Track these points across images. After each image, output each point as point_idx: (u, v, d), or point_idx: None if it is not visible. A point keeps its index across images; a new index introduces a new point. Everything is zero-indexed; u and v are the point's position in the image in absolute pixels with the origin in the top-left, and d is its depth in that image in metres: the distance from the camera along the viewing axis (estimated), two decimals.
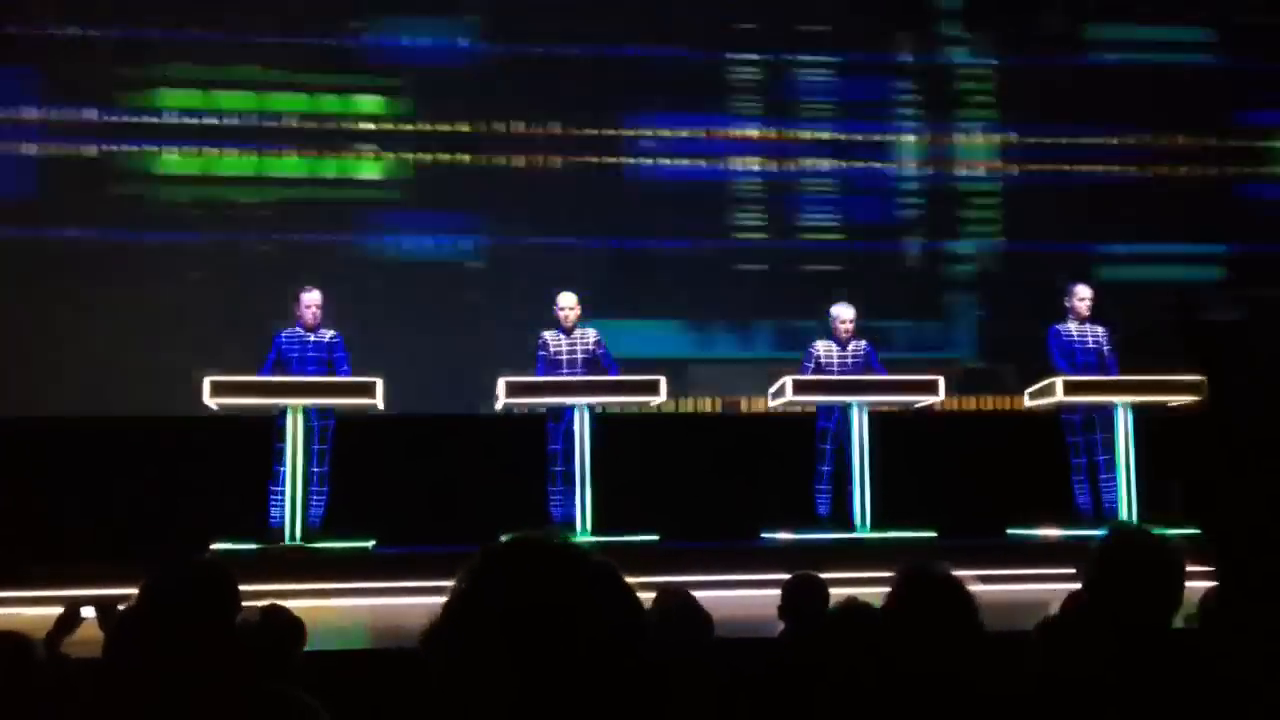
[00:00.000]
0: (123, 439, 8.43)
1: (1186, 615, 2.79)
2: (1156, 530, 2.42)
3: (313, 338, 7.77)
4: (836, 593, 3.78)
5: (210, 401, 7.42)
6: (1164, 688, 2.14)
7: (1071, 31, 10.36)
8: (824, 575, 3.86)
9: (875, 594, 3.42)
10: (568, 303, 8.01)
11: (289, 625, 3.26)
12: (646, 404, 7.90)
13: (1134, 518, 7.67)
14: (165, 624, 1.96)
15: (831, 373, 8.09)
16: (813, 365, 8.16)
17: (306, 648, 3.45)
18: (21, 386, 8.69)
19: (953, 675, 2.24)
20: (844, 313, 8.20)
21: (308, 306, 7.77)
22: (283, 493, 7.45)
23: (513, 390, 7.71)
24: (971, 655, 2.36)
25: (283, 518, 7.42)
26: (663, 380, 7.75)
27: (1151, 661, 2.16)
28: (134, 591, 2.29)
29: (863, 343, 8.26)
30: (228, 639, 1.98)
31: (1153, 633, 2.20)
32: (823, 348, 8.20)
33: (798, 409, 8.26)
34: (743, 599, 5.79)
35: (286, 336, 7.79)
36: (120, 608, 2.50)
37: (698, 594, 3.47)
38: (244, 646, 2.19)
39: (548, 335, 8.05)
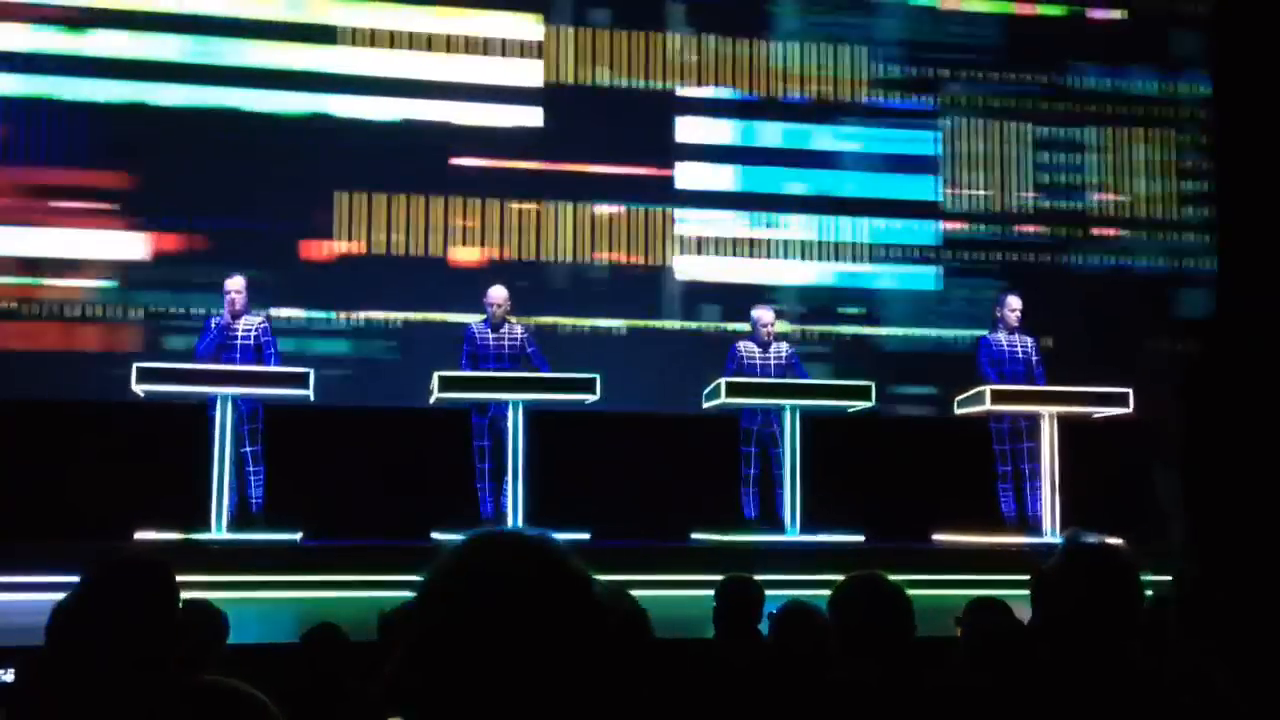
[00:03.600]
0: (44, 424, 8.28)
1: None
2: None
3: (240, 325, 7.69)
4: (769, 595, 3.81)
5: (137, 388, 7.32)
6: (1125, 703, 2.14)
7: None
8: (755, 577, 3.89)
9: (806, 595, 3.45)
10: (498, 297, 8.00)
11: (212, 619, 3.23)
12: (580, 402, 7.91)
13: (1056, 526, 7.81)
14: (108, 619, 1.94)
15: (755, 374, 8.17)
16: (735, 366, 8.23)
17: (232, 640, 3.42)
18: None
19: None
20: (764, 315, 8.31)
21: (227, 293, 7.70)
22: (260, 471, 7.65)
23: (446, 385, 7.68)
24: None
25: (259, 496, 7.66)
26: (597, 379, 7.78)
27: (1112, 676, 2.16)
28: (55, 579, 2.25)
29: (784, 344, 8.36)
30: (171, 634, 1.96)
31: (1114, 647, 2.19)
32: (744, 349, 8.27)
33: (731, 408, 8.30)
34: (674, 599, 5.81)
35: (216, 322, 7.71)
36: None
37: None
38: (183, 641, 2.17)
39: (475, 328, 8.04)
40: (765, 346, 8.24)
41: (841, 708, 2.33)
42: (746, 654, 3.33)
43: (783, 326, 8.86)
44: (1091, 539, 2.36)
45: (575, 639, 1.12)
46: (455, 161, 9.30)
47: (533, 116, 9.47)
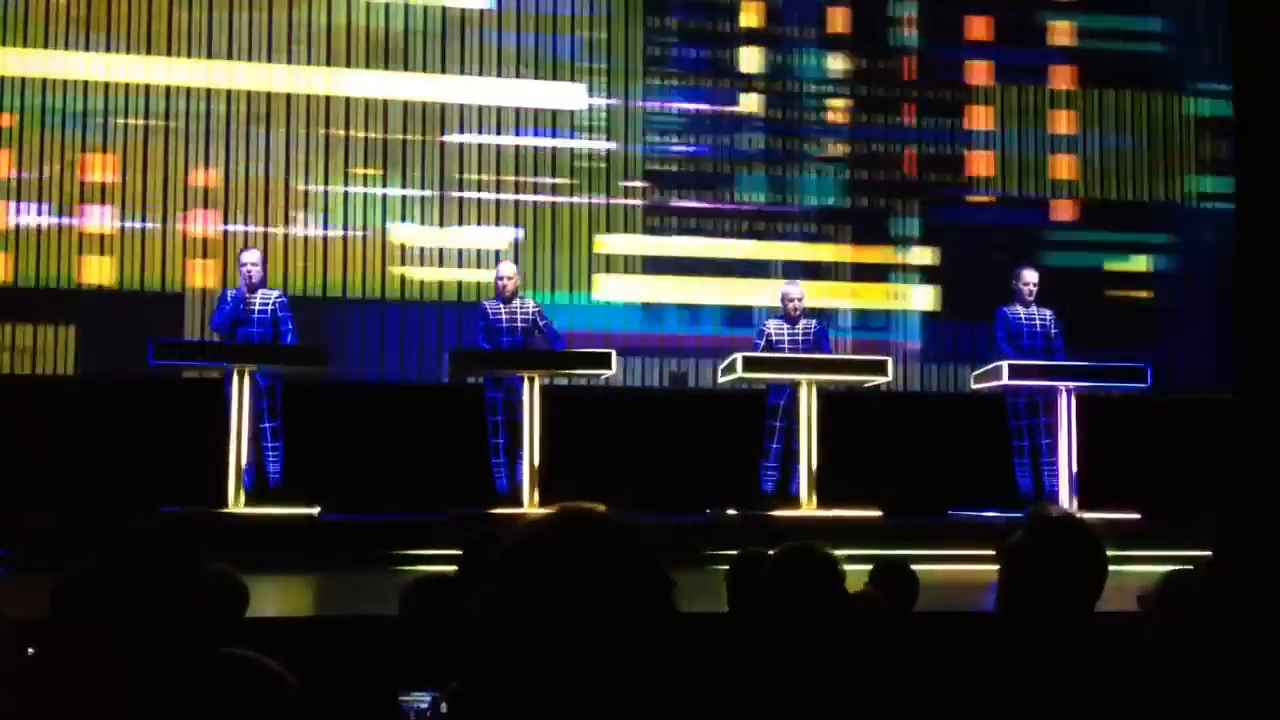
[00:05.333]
0: (65, 400, 8.31)
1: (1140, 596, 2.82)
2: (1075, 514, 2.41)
3: (257, 299, 7.69)
4: None
5: (154, 363, 7.33)
6: (1090, 670, 2.16)
7: None
8: (770, 552, 3.87)
9: None
10: (507, 272, 8.05)
11: (232, 588, 3.23)
12: (596, 377, 7.91)
13: (1074, 502, 7.78)
14: (124, 589, 1.94)
15: (782, 350, 8.14)
16: (764, 343, 8.21)
17: (249, 614, 3.42)
18: None
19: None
20: (792, 291, 8.27)
21: (244, 266, 7.70)
22: (278, 447, 7.64)
23: (459, 362, 7.68)
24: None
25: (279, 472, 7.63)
26: (613, 354, 7.78)
27: (1078, 645, 2.18)
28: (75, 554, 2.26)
29: (814, 321, 8.33)
30: (188, 605, 1.96)
31: (1077, 616, 2.21)
32: (773, 326, 8.25)
33: (746, 385, 8.30)
34: (688, 576, 5.83)
35: (233, 295, 7.71)
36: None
37: None
38: (202, 612, 2.17)
39: (487, 304, 8.07)
40: (794, 323, 8.22)
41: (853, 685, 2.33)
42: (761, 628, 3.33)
43: None
44: (1055, 513, 2.39)
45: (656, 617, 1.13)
46: None
47: None
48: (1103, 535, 2.31)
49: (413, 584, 3.48)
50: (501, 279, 8.04)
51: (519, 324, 7.98)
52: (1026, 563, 2.27)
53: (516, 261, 8.72)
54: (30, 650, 2.25)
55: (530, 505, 7.47)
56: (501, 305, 8.01)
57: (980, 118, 10.13)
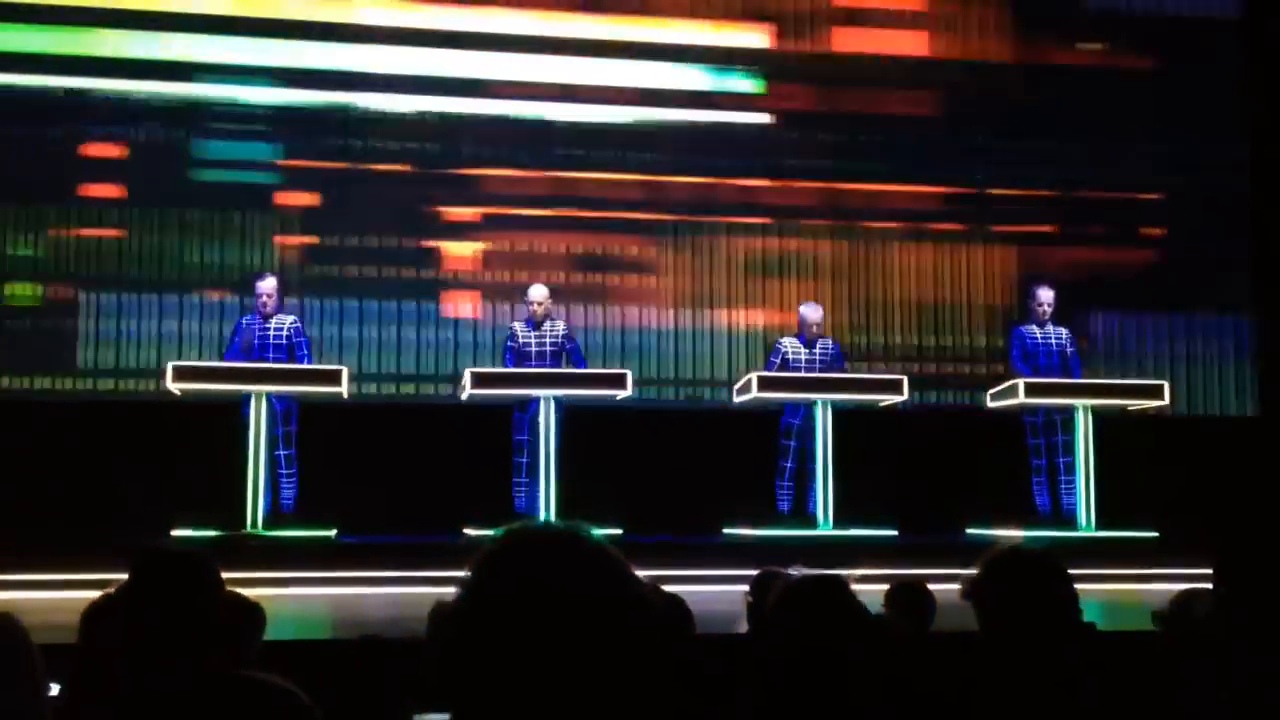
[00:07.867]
0: (81, 420, 8.34)
1: (1156, 614, 2.82)
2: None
3: (272, 325, 7.73)
4: None
5: (173, 386, 7.37)
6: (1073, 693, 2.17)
7: None
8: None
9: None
10: (538, 296, 8.05)
11: (248, 611, 3.23)
12: (612, 397, 7.91)
13: (1092, 520, 7.75)
14: (149, 611, 1.95)
15: (798, 370, 8.13)
16: (779, 361, 8.21)
17: (267, 637, 3.43)
18: None
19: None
20: (812, 314, 8.26)
21: (259, 295, 7.74)
22: (293, 473, 7.69)
23: (478, 381, 7.71)
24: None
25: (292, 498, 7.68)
26: (628, 374, 7.79)
27: (1056, 669, 2.19)
28: (97, 576, 2.28)
29: (830, 341, 8.32)
30: (211, 627, 1.97)
31: (1051, 642, 2.22)
32: (790, 346, 8.25)
33: (773, 404, 8.28)
34: (705, 594, 5.81)
35: (247, 322, 7.76)
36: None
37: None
38: (222, 635, 2.18)
39: (517, 327, 8.10)
40: (810, 345, 8.21)
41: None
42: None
43: None
44: (1010, 548, 2.40)
45: (618, 632, 1.12)
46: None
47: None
48: (1057, 556, 2.33)
49: (442, 605, 3.46)
50: (532, 304, 8.05)
51: (547, 349, 8.01)
52: (996, 604, 2.29)
53: None
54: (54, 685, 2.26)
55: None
56: (531, 329, 8.05)
57: None
